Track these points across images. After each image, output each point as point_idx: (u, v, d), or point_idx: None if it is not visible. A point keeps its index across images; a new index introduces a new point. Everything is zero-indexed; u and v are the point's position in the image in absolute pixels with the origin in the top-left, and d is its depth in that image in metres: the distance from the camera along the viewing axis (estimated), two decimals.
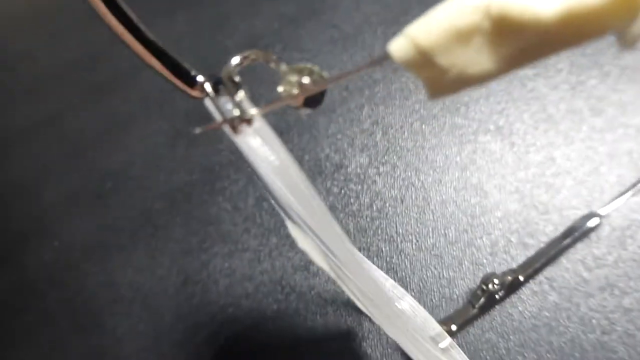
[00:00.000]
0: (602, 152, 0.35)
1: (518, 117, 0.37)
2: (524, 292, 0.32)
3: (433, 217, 0.36)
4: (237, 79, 0.22)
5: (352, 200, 0.37)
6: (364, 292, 0.24)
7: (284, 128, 0.41)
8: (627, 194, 0.34)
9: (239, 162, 0.41)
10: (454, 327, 0.32)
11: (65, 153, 0.47)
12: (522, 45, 0.15)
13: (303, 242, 0.27)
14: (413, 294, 0.33)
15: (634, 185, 0.34)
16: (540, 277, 0.33)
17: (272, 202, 0.24)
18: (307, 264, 0.36)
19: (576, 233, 0.33)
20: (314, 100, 0.22)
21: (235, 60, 0.22)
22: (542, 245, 0.33)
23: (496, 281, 0.32)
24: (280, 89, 0.22)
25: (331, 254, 0.23)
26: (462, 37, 0.15)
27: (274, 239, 0.38)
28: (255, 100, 0.21)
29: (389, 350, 0.32)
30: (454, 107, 0.39)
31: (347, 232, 0.36)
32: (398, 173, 0.38)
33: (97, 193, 0.43)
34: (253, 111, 0.21)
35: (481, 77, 0.16)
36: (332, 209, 0.37)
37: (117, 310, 0.38)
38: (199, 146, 0.42)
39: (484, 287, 0.32)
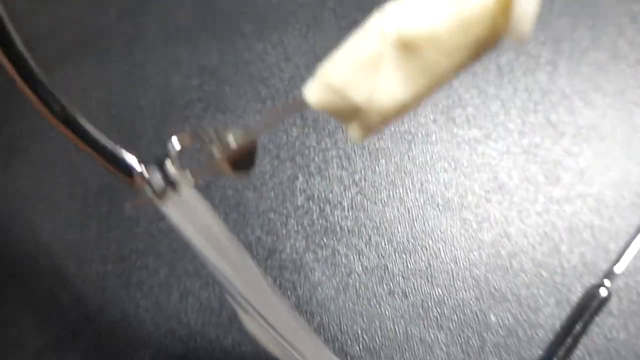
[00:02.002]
0: (560, 227, 0.33)
1: (468, 187, 0.35)
2: None
3: (380, 310, 0.33)
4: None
5: (289, 292, 0.34)
6: None
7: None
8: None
9: (160, 247, 0.37)
10: None
11: None
12: (424, 62, 0.16)
13: (248, 323, 0.26)
14: None
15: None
16: None
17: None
18: None
19: (586, 314, 0.31)
20: (243, 163, 0.22)
21: (173, 148, 0.22)
22: (499, 337, 0.31)
23: None
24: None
25: (277, 333, 0.24)
26: (369, 67, 0.16)
27: (202, 343, 0.34)
28: None
29: None
30: (398, 177, 0.36)
31: None
32: (338, 259, 0.35)
33: None
34: (180, 179, 0.22)
35: (400, 105, 0.16)
36: None
37: None
38: (112, 229, 0.38)
39: None
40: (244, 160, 0.22)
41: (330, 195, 0.36)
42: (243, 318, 0.26)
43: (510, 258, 0.33)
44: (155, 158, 0.22)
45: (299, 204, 0.37)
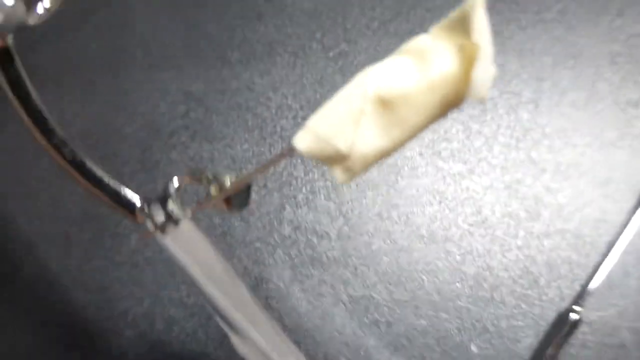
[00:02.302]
0: (540, 261, 0.35)
1: (452, 220, 0.36)
2: None
3: (365, 340, 0.34)
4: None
5: (275, 321, 0.35)
6: None
7: None
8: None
9: (143, 276, 0.37)
10: None
11: None
12: (398, 116, 0.19)
13: (240, 345, 0.28)
14: None
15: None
16: None
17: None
18: None
19: (557, 338, 0.33)
20: (238, 201, 0.25)
21: (173, 187, 0.24)
22: None
23: None
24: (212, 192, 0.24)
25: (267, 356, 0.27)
26: (352, 120, 0.19)
27: None
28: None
29: None
30: (385, 209, 0.37)
31: None
32: (325, 289, 0.35)
33: None
34: (180, 214, 0.24)
35: (379, 152, 0.19)
36: None
37: None
38: (95, 258, 0.38)
39: None
40: (238, 199, 0.25)
41: (318, 226, 0.37)
42: (234, 341, 0.27)
43: (491, 290, 0.34)
44: (158, 196, 0.24)
45: (286, 234, 0.37)
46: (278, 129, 0.41)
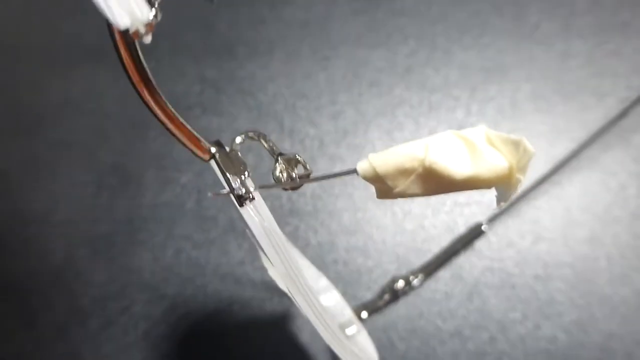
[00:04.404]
0: (460, 223, 0.47)
1: None
2: (394, 337, 0.43)
3: (326, 274, 0.45)
4: (239, 155, 0.30)
5: (257, 257, 0.46)
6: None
7: (202, 187, 0.49)
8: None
9: (160, 216, 0.49)
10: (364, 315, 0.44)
11: None
12: (440, 185, 0.24)
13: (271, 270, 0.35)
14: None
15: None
16: (407, 325, 0.43)
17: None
18: (217, 313, 0.45)
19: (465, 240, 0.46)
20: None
21: (239, 139, 0.29)
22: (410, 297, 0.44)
23: (401, 282, 0.45)
24: (276, 172, 0.30)
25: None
26: (405, 173, 0.24)
27: (189, 289, 0.46)
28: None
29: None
30: (349, 179, 0.49)
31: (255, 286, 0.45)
32: (299, 233, 0.47)
33: (20, 236, 0.49)
34: (256, 193, 0.30)
35: (413, 196, 0.25)
36: (241, 263, 0.46)
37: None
38: (122, 199, 0.49)
39: (392, 285, 0.45)
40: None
41: None
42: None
43: (423, 242, 0.46)
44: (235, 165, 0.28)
45: (273, 191, 0.49)
46: (272, 112, 0.53)
